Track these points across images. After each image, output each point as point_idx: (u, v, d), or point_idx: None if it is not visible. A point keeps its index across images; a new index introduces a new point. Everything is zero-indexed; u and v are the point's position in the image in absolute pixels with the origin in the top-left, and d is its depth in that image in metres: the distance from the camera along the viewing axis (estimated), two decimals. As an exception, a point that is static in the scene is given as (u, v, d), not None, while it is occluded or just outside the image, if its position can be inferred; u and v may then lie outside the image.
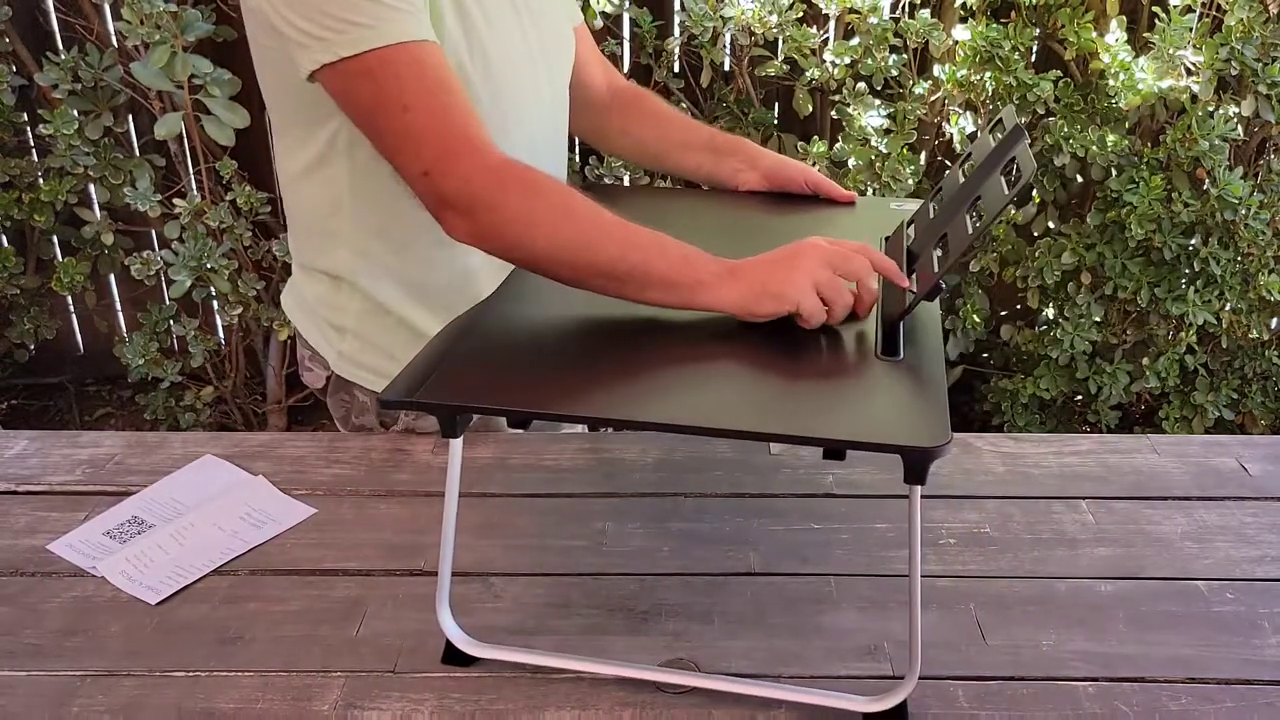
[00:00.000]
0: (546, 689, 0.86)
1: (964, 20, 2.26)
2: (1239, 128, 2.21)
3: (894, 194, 2.24)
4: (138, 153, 2.58)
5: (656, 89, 2.39)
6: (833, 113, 2.38)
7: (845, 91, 2.30)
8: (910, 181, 2.24)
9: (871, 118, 2.27)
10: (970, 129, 2.28)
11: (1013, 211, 2.40)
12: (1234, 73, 2.15)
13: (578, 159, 2.52)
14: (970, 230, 0.91)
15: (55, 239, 2.74)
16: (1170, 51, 2.16)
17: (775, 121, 2.46)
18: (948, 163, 2.46)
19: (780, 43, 2.33)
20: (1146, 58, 2.20)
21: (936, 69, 2.28)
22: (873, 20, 2.22)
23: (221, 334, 2.80)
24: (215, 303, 2.57)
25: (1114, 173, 2.27)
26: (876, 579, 0.99)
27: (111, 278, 2.81)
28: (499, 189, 0.96)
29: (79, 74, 2.36)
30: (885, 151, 2.26)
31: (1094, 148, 2.20)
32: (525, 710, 0.84)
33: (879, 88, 2.31)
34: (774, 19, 2.24)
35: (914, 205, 1.22)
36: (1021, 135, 0.93)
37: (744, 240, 0.98)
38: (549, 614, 0.95)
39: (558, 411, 0.84)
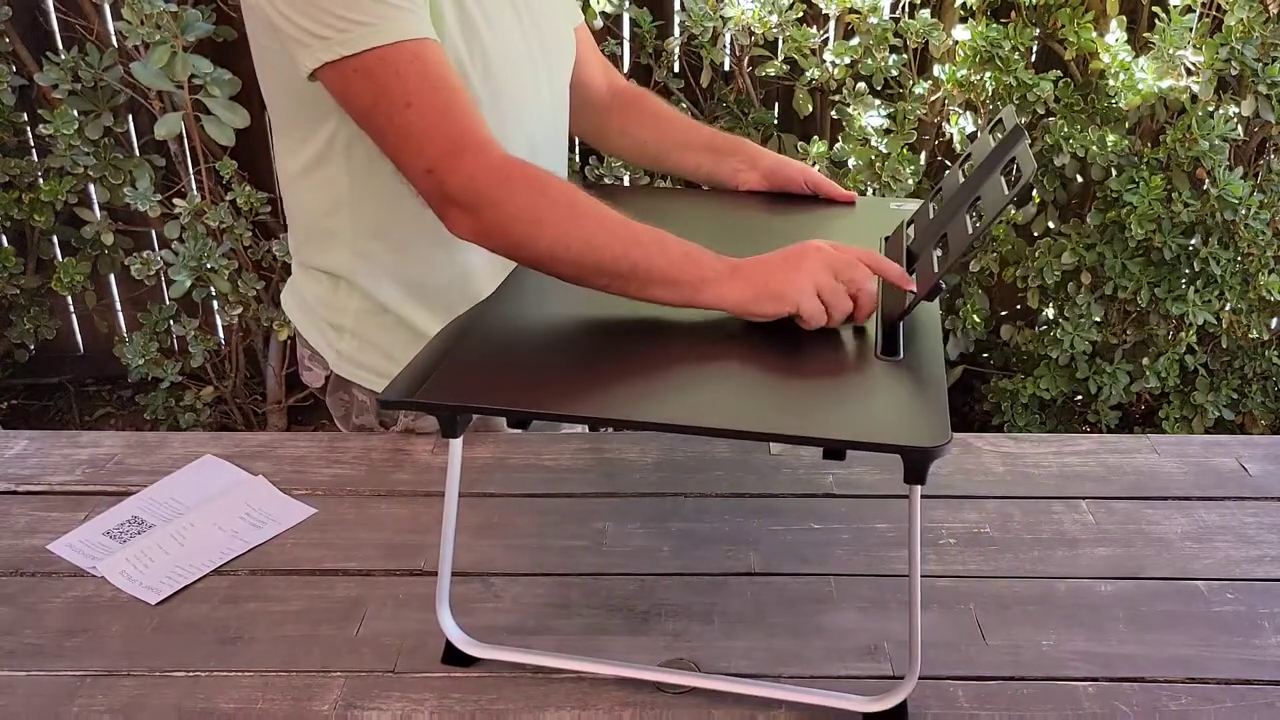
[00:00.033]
0: (546, 689, 0.86)
1: (964, 20, 2.26)
2: (1239, 128, 2.21)
3: (894, 194, 2.24)
4: (138, 153, 2.58)
5: (656, 89, 2.39)
6: (833, 113, 2.38)
7: (845, 91, 2.30)
8: (910, 181, 2.24)
9: (871, 118, 2.27)
10: (970, 129, 2.28)
11: (1013, 211, 2.40)
12: (1234, 73, 2.15)
13: (578, 159, 2.52)
14: (970, 230, 0.91)
15: (55, 239, 2.74)
16: (1170, 51, 2.16)
17: (775, 121, 2.46)
18: (948, 163, 2.46)
19: (780, 43, 2.33)
20: (1146, 58, 2.20)
21: (936, 69, 2.28)
22: (873, 20, 2.22)
23: (221, 334, 2.80)
24: (215, 303, 2.57)
25: (1114, 173, 2.27)
26: (876, 579, 0.99)
27: (111, 278, 2.81)
28: (502, 186, 0.96)
29: (79, 74, 2.36)
30: (885, 151, 2.26)
31: (1094, 148, 2.20)
32: (525, 710, 0.84)
33: (879, 88, 2.31)
34: (774, 19, 2.24)
35: (914, 205, 1.22)
36: (1021, 135, 0.93)
37: (744, 240, 0.98)
38: (549, 614, 0.95)
39: (558, 411, 0.84)
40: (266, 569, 1.01)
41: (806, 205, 1.26)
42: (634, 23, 2.42)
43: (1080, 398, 2.56)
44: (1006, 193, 0.87)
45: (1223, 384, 2.46)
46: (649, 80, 2.43)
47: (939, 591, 0.97)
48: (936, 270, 0.91)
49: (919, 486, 0.77)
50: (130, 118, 2.59)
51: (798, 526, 1.06)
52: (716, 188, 1.32)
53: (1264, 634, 0.92)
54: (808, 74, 2.31)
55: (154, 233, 2.71)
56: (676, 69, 2.47)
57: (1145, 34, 2.26)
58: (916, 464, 0.75)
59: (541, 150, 1.17)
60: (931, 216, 1.04)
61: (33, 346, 2.82)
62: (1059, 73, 2.25)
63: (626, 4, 2.34)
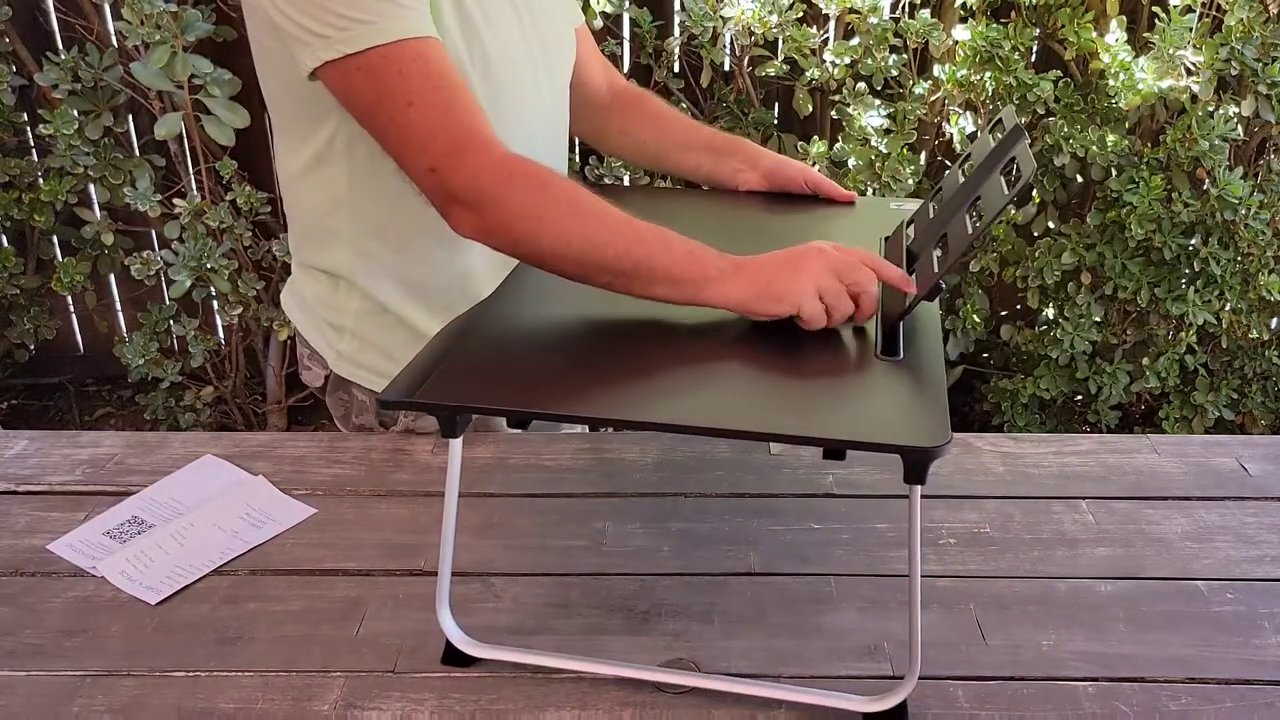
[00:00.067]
0: (546, 689, 0.86)
1: (964, 20, 2.26)
2: (1239, 128, 2.21)
3: (894, 194, 2.24)
4: (138, 153, 2.58)
5: (656, 89, 2.39)
6: (833, 113, 2.38)
7: (845, 91, 2.30)
8: (910, 181, 2.24)
9: (871, 118, 2.27)
10: (970, 129, 2.28)
11: (1013, 211, 2.40)
12: (1234, 73, 2.15)
13: (578, 159, 2.52)
14: (970, 230, 0.91)
15: (55, 239, 2.74)
16: (1170, 51, 2.16)
17: (775, 121, 2.46)
18: (948, 163, 2.46)
19: (780, 43, 2.33)
20: (1146, 58, 2.20)
21: (936, 69, 2.28)
22: (873, 20, 2.22)
23: (221, 334, 2.80)
24: (215, 303, 2.57)
25: (1114, 173, 2.27)
26: (876, 579, 0.99)
27: (111, 278, 2.81)
28: (505, 184, 0.96)
29: (79, 74, 2.36)
30: (885, 151, 2.26)
31: (1094, 148, 2.20)
32: (525, 710, 0.84)
33: (879, 88, 2.31)
34: (774, 19, 2.24)
35: (914, 205, 1.22)
36: (1021, 135, 0.93)
37: (744, 240, 0.98)
38: (549, 614, 0.95)
39: (558, 411, 0.84)
40: (266, 569, 1.01)
41: (806, 205, 1.26)
42: (634, 23, 2.42)
43: (1080, 398, 2.56)
44: (1006, 193, 0.87)
45: (1223, 384, 2.46)
46: (649, 80, 2.43)
47: (939, 591, 0.97)
48: (936, 270, 0.91)
49: (919, 486, 0.77)
50: (130, 118, 2.59)
51: (798, 526, 1.06)
52: (716, 188, 1.32)
53: (1264, 634, 0.92)
54: (808, 74, 2.31)
55: (154, 233, 2.71)
56: (676, 69, 2.47)
57: (1145, 34, 2.26)
58: (916, 464, 0.75)
59: (541, 150, 1.17)
60: (931, 216, 1.04)
61: (33, 346, 2.82)
62: (1059, 73, 2.25)
63: (626, 4, 2.34)
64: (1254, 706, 0.85)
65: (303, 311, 1.25)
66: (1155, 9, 2.20)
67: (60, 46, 2.58)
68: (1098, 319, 2.39)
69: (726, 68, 2.43)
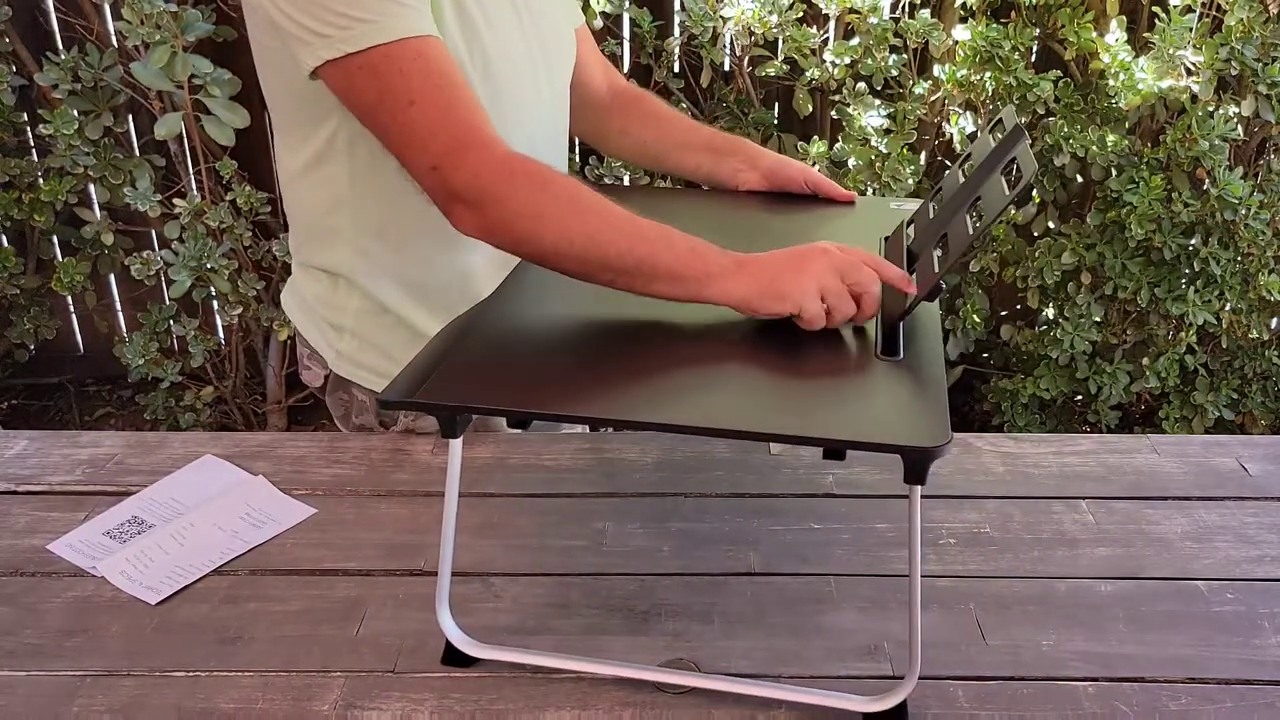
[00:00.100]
0: (546, 689, 0.86)
1: (964, 20, 2.26)
2: (1239, 128, 2.21)
3: (894, 194, 2.24)
4: (138, 153, 2.58)
5: (656, 89, 2.39)
6: (833, 113, 2.38)
7: (845, 91, 2.30)
8: (910, 181, 2.24)
9: (871, 118, 2.27)
10: (970, 129, 2.28)
11: (1013, 211, 2.40)
12: (1234, 73, 2.15)
13: (578, 159, 2.52)
14: (970, 230, 0.91)
15: (55, 239, 2.74)
16: (1170, 51, 2.16)
17: (775, 121, 2.46)
18: (948, 163, 2.46)
19: (780, 43, 2.33)
20: (1146, 58, 2.20)
21: (936, 69, 2.28)
22: (873, 20, 2.22)
23: (221, 334, 2.80)
24: (215, 303, 2.57)
25: (1114, 173, 2.27)
26: (876, 579, 0.99)
27: (111, 278, 2.81)
28: (507, 182, 0.96)
29: (79, 74, 2.36)
30: (885, 151, 2.26)
31: (1094, 148, 2.20)
32: (525, 710, 0.84)
33: (879, 88, 2.31)
34: (774, 19, 2.24)
35: (914, 205, 1.22)
36: (1021, 135, 0.93)
37: (744, 240, 0.98)
38: (549, 614, 0.95)
39: (558, 411, 0.84)
40: (266, 569, 1.01)
41: (806, 205, 1.26)
42: (634, 23, 2.42)
43: (1080, 398, 2.56)
44: (1007, 193, 0.87)
45: (1223, 384, 2.46)
46: (649, 80, 2.43)
47: (939, 591, 0.97)
48: (936, 270, 0.91)
49: (919, 486, 0.77)
50: (130, 118, 2.59)
51: (798, 526, 1.06)
52: (716, 188, 1.32)
53: (1264, 634, 0.92)
54: (808, 74, 2.31)
55: (154, 233, 2.71)
56: (676, 69, 2.47)
57: (1145, 34, 2.26)
58: (916, 464, 0.75)
59: (541, 150, 1.17)
60: (931, 216, 1.04)
61: (33, 346, 2.82)
62: (1059, 73, 2.25)
63: (626, 4, 2.34)
64: (1254, 706, 0.85)
65: (303, 311, 1.25)
66: (1155, 9, 2.20)
67: (60, 46, 2.58)
68: (1098, 319, 2.39)
69: (726, 68, 2.43)
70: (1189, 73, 2.18)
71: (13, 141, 2.56)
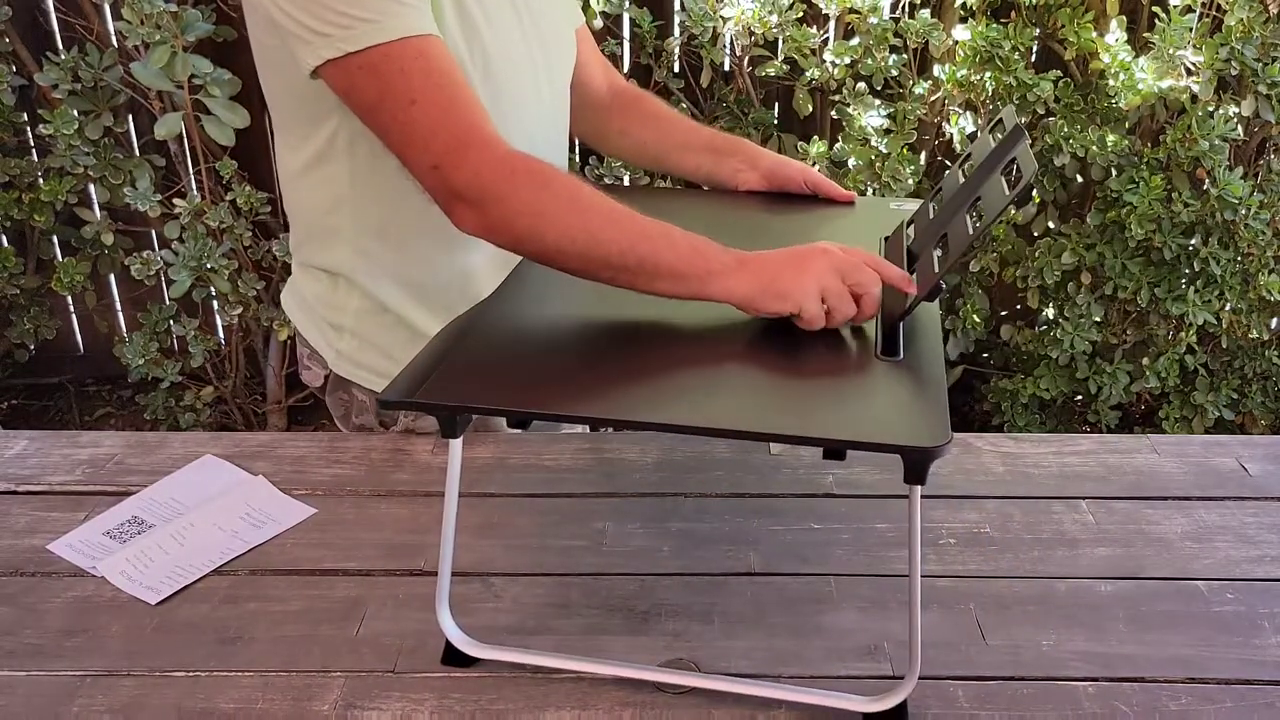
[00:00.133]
0: (546, 689, 0.86)
1: (964, 20, 2.26)
2: (1239, 128, 2.21)
3: (894, 194, 2.24)
4: (138, 153, 2.58)
5: (656, 89, 2.39)
6: (833, 113, 2.38)
7: (845, 91, 2.30)
8: (910, 181, 2.24)
9: (871, 118, 2.27)
10: (970, 129, 2.28)
11: (1013, 211, 2.40)
12: (1234, 73, 2.15)
13: (578, 159, 2.52)
14: (970, 230, 0.91)
15: (55, 239, 2.74)
16: (1170, 51, 2.16)
17: (775, 121, 2.46)
18: (948, 163, 2.46)
19: (780, 43, 2.33)
20: (1146, 58, 2.20)
21: (936, 69, 2.28)
22: (873, 20, 2.22)
23: (221, 334, 2.80)
24: (215, 303, 2.57)
25: (1114, 173, 2.27)
26: (876, 579, 0.99)
27: (111, 278, 2.81)
28: (508, 181, 0.96)
29: (79, 74, 2.36)
30: (885, 151, 2.26)
31: (1094, 148, 2.20)
32: (525, 710, 0.84)
33: (879, 88, 2.31)
34: (774, 19, 2.24)
35: (914, 205, 1.22)
36: (1021, 135, 0.93)
37: (744, 240, 0.98)
38: (549, 614, 0.95)
39: (558, 411, 0.84)
40: (266, 569, 1.01)
41: (806, 205, 1.26)
42: (634, 23, 2.42)
43: (1080, 398, 2.56)
44: (1007, 193, 0.87)
45: (1223, 384, 2.46)
46: (649, 80, 2.43)
47: (939, 591, 0.97)
48: (936, 270, 0.91)
49: (919, 486, 0.77)
50: (130, 118, 2.59)
51: (798, 526, 1.06)
52: (716, 188, 1.32)
53: (1264, 634, 0.92)
54: (808, 74, 2.31)
55: (154, 233, 2.71)
56: (676, 69, 2.47)
57: (1145, 34, 2.26)
58: (916, 464, 0.75)
59: (541, 150, 1.16)
60: (931, 216, 1.04)
61: (33, 346, 2.82)
62: (1059, 73, 2.25)
63: (626, 4, 2.34)
64: (1254, 706, 0.85)
65: (303, 311, 1.25)
66: (1155, 9, 2.20)
67: (60, 46, 2.58)
68: (1098, 319, 2.39)
69: (726, 68, 2.43)
70: (1189, 73, 2.18)
71: (13, 141, 2.56)
